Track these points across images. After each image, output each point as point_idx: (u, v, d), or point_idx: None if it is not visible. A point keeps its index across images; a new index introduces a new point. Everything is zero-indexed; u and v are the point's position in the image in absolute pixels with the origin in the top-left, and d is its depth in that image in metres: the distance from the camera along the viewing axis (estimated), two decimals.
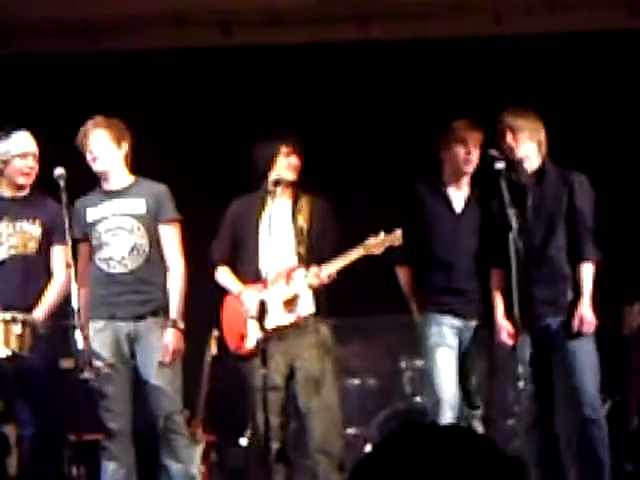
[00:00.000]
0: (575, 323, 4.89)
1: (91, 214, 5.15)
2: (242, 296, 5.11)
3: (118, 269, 5.05)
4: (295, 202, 5.24)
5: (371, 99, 6.95)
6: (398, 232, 4.98)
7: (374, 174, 6.84)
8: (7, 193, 5.26)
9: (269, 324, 4.81)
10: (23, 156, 5.20)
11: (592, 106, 6.82)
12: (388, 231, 5.00)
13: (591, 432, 4.83)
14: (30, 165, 5.22)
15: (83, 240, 5.15)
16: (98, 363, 4.93)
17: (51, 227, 5.16)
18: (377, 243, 4.97)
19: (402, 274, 5.32)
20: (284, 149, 5.20)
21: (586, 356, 4.90)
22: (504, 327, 4.98)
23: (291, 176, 5.19)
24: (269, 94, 6.93)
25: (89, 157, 5.13)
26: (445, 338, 5.12)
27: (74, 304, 4.68)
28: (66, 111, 6.38)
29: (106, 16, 6.57)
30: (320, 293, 5.09)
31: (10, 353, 4.82)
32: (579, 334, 4.90)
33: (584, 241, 5.00)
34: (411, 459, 1.83)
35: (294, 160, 5.21)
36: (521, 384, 4.71)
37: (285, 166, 5.18)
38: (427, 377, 5.23)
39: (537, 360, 4.88)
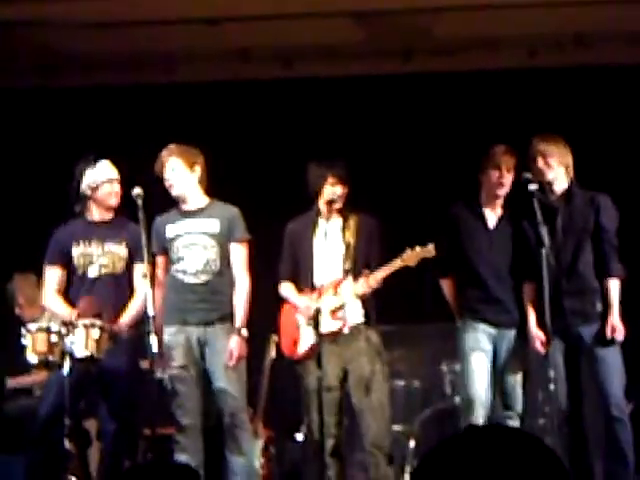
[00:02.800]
0: (608, 331, 5.14)
1: (170, 230, 5.45)
2: (301, 306, 5.42)
3: (192, 280, 5.35)
4: (344, 220, 5.47)
5: (414, 126, 7.17)
6: (431, 246, 5.18)
7: (418, 194, 7.05)
8: (96, 217, 5.56)
9: (322, 329, 5.12)
10: (110, 181, 5.54)
11: (616, 133, 6.97)
12: (423, 244, 5.21)
13: (617, 430, 5.09)
14: (117, 188, 5.55)
15: (162, 253, 5.46)
16: (171, 364, 5.27)
17: (134, 248, 5.43)
18: (412, 255, 5.18)
19: (445, 285, 5.55)
20: (330, 179, 5.41)
21: (613, 362, 5.17)
22: (537, 336, 5.20)
23: (335, 205, 5.44)
24: (325, 120, 7.14)
25: (167, 184, 5.46)
26: (480, 343, 5.33)
27: (150, 312, 5.01)
28: (142, 138, 6.71)
29: (180, 50, 6.85)
30: (369, 303, 5.39)
31: (89, 354, 5.12)
32: (608, 342, 5.15)
33: (610, 258, 5.24)
34: (473, 456, 1.97)
35: (339, 190, 5.42)
36: (552, 386, 4.96)
37: (330, 194, 5.42)
38: (462, 378, 5.45)
39: (568, 364, 5.17)
